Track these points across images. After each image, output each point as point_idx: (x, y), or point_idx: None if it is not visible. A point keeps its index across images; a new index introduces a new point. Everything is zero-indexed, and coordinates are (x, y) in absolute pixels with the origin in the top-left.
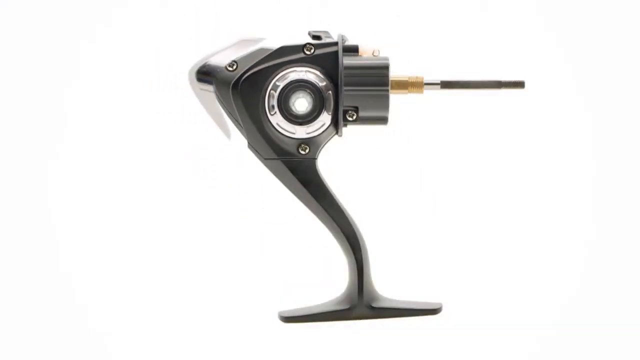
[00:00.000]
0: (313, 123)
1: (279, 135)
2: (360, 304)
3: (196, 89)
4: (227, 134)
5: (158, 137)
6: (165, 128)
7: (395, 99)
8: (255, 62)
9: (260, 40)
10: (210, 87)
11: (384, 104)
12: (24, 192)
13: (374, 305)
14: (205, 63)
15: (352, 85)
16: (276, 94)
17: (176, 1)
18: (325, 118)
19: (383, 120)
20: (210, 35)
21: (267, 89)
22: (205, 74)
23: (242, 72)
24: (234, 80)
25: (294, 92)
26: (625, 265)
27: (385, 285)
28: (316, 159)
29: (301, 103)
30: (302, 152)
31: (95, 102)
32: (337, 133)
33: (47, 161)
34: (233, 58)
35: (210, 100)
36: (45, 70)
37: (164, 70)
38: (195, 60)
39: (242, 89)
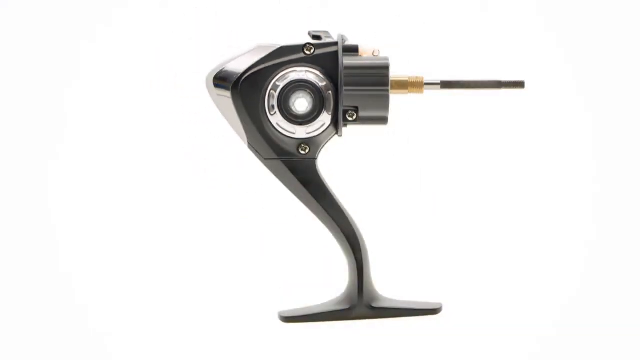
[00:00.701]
0: (313, 123)
1: (279, 135)
2: (360, 304)
3: (213, 94)
4: (244, 138)
5: (158, 137)
6: (165, 128)
7: (395, 99)
8: (255, 62)
9: (276, 46)
10: (227, 93)
11: (384, 104)
12: (24, 192)
13: (374, 305)
14: (222, 69)
15: (352, 85)
16: (276, 94)
17: (176, 1)
18: (325, 118)
19: (383, 120)
20: (210, 35)
21: (267, 89)
22: (222, 80)
23: (242, 72)
24: (234, 80)
25: (294, 92)
26: (625, 265)
27: (385, 285)
28: (316, 159)
29: (301, 103)
30: (302, 152)
31: (95, 102)
32: (337, 133)
33: (47, 161)
34: (250, 64)
35: (226, 105)
36: (45, 70)
37: (164, 70)
38: (212, 65)
39: (242, 89)
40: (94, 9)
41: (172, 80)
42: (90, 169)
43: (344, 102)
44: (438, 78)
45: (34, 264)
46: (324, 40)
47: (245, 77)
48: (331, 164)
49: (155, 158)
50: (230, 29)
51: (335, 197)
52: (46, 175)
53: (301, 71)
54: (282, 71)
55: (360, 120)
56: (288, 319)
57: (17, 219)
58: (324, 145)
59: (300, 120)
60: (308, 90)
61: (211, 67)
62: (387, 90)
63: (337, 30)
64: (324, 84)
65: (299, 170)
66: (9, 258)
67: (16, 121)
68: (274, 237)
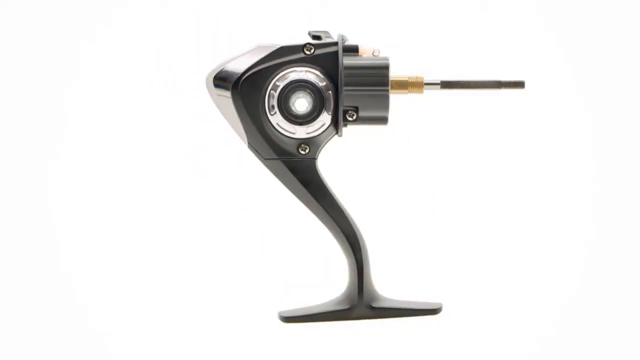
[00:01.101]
0: (313, 123)
1: (279, 135)
2: (360, 304)
3: (213, 94)
4: (244, 138)
5: (158, 137)
6: (165, 128)
7: (395, 99)
8: (255, 62)
9: (276, 46)
10: (227, 93)
11: (384, 104)
12: (24, 192)
13: (374, 305)
14: (222, 69)
15: (352, 85)
16: (276, 94)
17: (176, 1)
18: (325, 118)
19: (383, 120)
20: (210, 35)
21: (267, 89)
22: (222, 80)
23: (242, 72)
24: (234, 80)
25: (294, 92)
26: (625, 265)
27: (385, 285)
28: (316, 159)
29: (301, 103)
30: (302, 152)
31: (95, 102)
32: (337, 133)
33: (47, 161)
34: (250, 64)
35: (226, 105)
36: (45, 70)
37: (164, 70)
38: (212, 65)
39: (242, 89)
40: (94, 9)
41: (172, 80)
42: (90, 168)
43: (344, 102)
44: (438, 78)
45: (34, 264)
46: (324, 40)
47: (245, 77)
48: (331, 164)
49: (155, 158)
50: (230, 29)
51: (335, 197)
52: (46, 175)
53: (301, 71)
54: (282, 71)
55: (360, 120)
56: (288, 319)
57: (17, 219)
58: (324, 145)
59: (300, 120)
60: (308, 90)
61: (211, 67)
62: (387, 90)
63: (337, 30)
64: (324, 84)
65: (299, 170)
66: (9, 258)
67: (16, 121)
68: (273, 237)
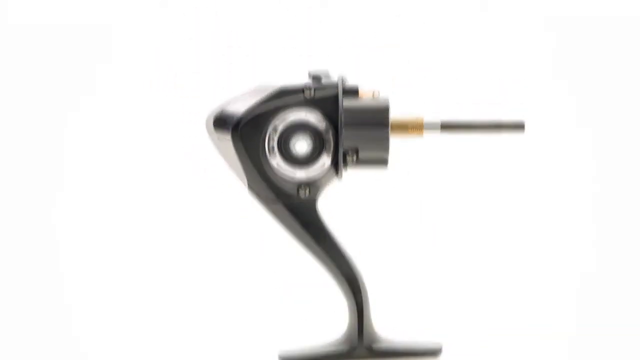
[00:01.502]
0: (313, 165)
1: (279, 177)
2: (360, 345)
3: (213, 136)
4: (244, 181)
5: (158, 137)
6: (165, 128)
7: (395, 140)
8: (254, 103)
9: (276, 87)
10: (227, 136)
11: (384, 145)
12: (24, 192)
13: (374, 347)
14: (222, 111)
15: (352, 127)
16: (276, 136)
17: (176, 1)
18: (326, 160)
19: (383, 162)
20: (210, 35)
21: (267, 131)
22: (221, 122)
23: (241, 114)
24: (234, 122)
25: (293, 134)
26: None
27: (386, 326)
28: (316, 200)
29: (301, 145)
30: (302, 194)
31: (95, 101)
32: (337, 175)
33: (47, 161)
34: (249, 106)
35: (227, 147)
36: (44, 70)
37: (164, 70)
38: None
39: (242, 131)
40: (94, 9)
41: (172, 80)
42: (90, 168)
43: (344, 144)
44: (438, 119)
45: (33, 264)
46: (324, 81)
47: (245, 119)
48: (331, 204)
49: (155, 158)
50: (230, 29)
51: (335, 240)
52: (46, 175)
53: (301, 113)
54: (281, 113)
55: (360, 162)
56: None
57: (18, 220)
58: (324, 188)
59: (300, 162)
60: (308, 132)
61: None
62: (387, 132)
63: (336, 29)
64: (324, 126)
65: (299, 213)
66: (9, 258)
67: (15, 121)
68: (274, 238)
